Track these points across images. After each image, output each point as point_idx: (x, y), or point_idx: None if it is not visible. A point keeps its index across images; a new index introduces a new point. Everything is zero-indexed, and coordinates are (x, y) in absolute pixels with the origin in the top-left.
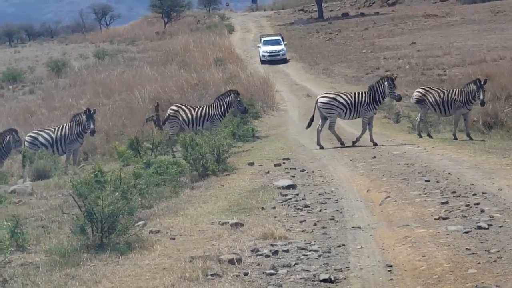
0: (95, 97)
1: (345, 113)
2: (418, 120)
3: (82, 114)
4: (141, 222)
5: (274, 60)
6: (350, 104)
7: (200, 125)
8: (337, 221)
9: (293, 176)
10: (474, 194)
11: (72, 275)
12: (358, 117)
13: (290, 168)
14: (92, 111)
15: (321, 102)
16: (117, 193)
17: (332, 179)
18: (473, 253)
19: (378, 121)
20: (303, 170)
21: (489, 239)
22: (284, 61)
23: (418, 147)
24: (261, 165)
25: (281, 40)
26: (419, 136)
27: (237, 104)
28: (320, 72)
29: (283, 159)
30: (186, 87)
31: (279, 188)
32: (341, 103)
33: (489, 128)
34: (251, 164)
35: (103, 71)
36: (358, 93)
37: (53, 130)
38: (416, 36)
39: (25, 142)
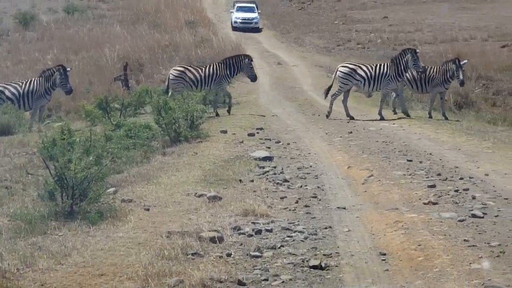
0: (62, 53)
1: (364, 85)
2: (394, 96)
3: (53, 69)
4: (111, 189)
5: (246, 28)
6: (370, 76)
7: (208, 85)
8: (319, 200)
9: (269, 148)
10: (461, 178)
11: (39, 245)
12: (379, 89)
13: (265, 139)
14: (68, 69)
15: (340, 72)
16: (91, 157)
17: (309, 153)
18: (473, 245)
19: (350, 95)
20: (278, 142)
21: (486, 230)
22: (257, 30)
23: (394, 124)
24: (234, 134)
25: (255, 7)
26: (394, 113)
27: (249, 70)
28: (291, 41)
29: (257, 128)
30: (156, 48)
31: (255, 159)
32: (360, 74)
33: (459, 108)
34: (224, 132)
35: (72, 27)
36: (380, 65)
37: (20, 84)
38: (388, 10)
39: None
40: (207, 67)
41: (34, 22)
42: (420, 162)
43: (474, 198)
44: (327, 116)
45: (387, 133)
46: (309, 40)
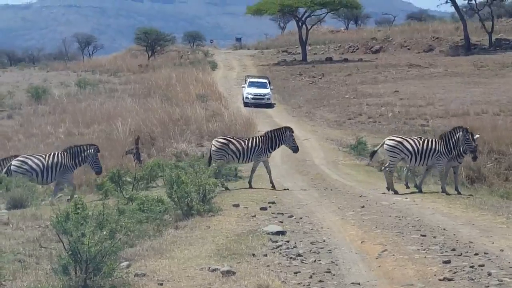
0: (74, 126)
1: (411, 160)
2: (406, 170)
3: (83, 147)
4: (125, 263)
5: (258, 104)
6: (417, 150)
7: (250, 157)
8: (334, 275)
9: (281, 222)
10: (476, 254)
11: None
12: (426, 165)
13: (277, 213)
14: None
15: (387, 145)
16: (104, 232)
17: (322, 227)
18: None
19: (361, 169)
20: (291, 216)
21: None
22: (269, 105)
23: (406, 198)
24: (247, 208)
25: (268, 83)
26: (406, 187)
27: (291, 141)
28: (302, 115)
29: (269, 202)
30: (167, 121)
31: (268, 233)
32: (407, 148)
33: (471, 182)
34: (236, 206)
35: (84, 100)
36: (428, 140)
37: (44, 156)
38: (399, 84)
39: (13, 166)
40: (250, 140)
41: (46, 96)
42: (434, 237)
43: (490, 274)
44: (396, 192)
45: (400, 207)
46: (320, 114)
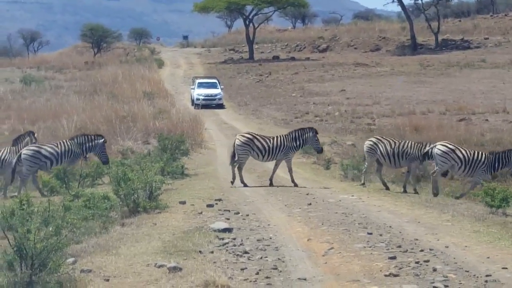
0: (19, 123)
1: (460, 168)
2: (364, 169)
3: (92, 137)
4: (71, 259)
5: (209, 104)
6: (467, 160)
7: (275, 155)
8: (280, 271)
9: (228, 219)
10: (422, 251)
11: None
12: (471, 176)
13: (224, 210)
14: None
15: (439, 150)
16: (50, 228)
17: (268, 224)
18: None
19: (308, 167)
20: (238, 213)
21: None
22: (221, 106)
23: (353, 196)
24: (193, 205)
25: (218, 83)
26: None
27: (314, 142)
28: (249, 113)
29: (215, 199)
30: (114, 118)
31: (215, 230)
32: (459, 157)
33: (417, 180)
34: (183, 203)
35: (29, 97)
36: (477, 152)
37: (55, 144)
38: (345, 83)
39: (24, 155)
40: (275, 138)
41: None
42: (380, 234)
43: (435, 270)
44: (436, 195)
45: (346, 205)
46: (267, 112)
